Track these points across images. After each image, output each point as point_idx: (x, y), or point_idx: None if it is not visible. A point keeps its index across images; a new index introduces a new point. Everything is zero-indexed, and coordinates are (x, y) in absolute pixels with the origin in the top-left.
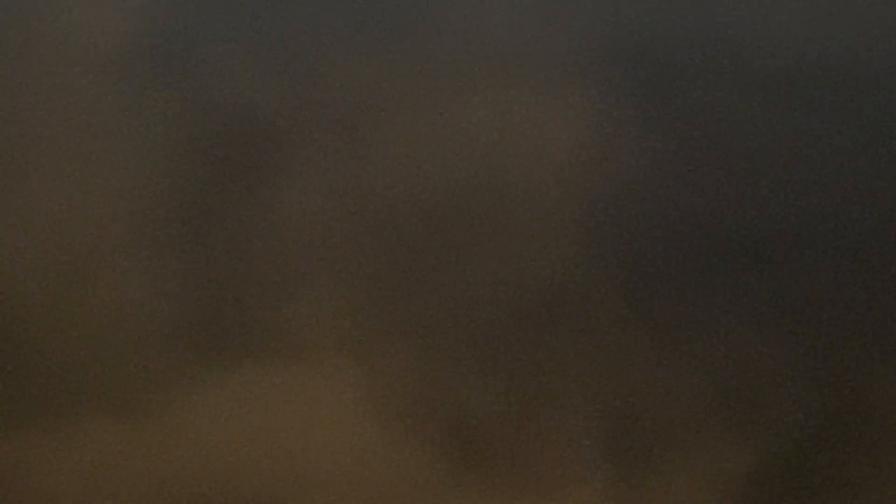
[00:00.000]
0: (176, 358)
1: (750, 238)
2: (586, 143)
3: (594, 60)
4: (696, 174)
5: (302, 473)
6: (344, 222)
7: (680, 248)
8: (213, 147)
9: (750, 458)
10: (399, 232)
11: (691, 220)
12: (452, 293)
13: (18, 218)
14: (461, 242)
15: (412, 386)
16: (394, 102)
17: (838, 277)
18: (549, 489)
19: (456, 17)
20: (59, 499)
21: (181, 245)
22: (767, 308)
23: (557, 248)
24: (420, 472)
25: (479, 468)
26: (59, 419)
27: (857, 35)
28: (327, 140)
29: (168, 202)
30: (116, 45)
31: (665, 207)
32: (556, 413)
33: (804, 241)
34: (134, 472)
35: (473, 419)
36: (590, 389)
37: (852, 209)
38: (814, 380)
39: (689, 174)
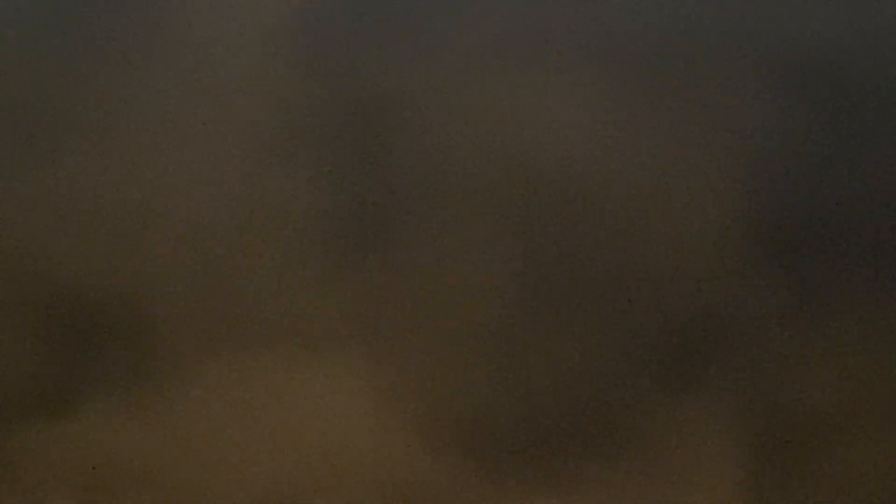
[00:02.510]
0: (180, 349)
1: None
2: (599, 132)
3: (609, 50)
4: (710, 168)
5: (307, 468)
6: (349, 211)
7: (685, 242)
8: None
9: None
10: (407, 221)
11: (702, 214)
12: (464, 284)
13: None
14: (473, 232)
15: (422, 381)
16: (404, 89)
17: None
18: (563, 487)
19: (471, 4)
20: (60, 489)
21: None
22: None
23: (574, 237)
24: (429, 469)
25: (490, 466)
26: (60, 409)
27: (871, 30)
28: (335, 129)
29: None
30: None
31: (678, 199)
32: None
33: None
34: (137, 464)
35: (486, 416)
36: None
37: (866, 204)
38: None
39: (702, 168)
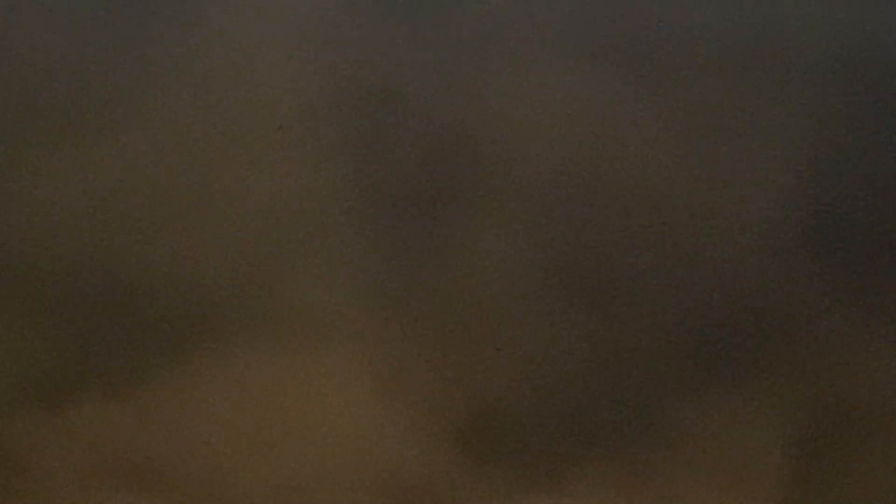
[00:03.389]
0: (176, 341)
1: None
2: (600, 127)
3: (611, 44)
4: (760, 159)
5: (302, 461)
6: (349, 200)
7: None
8: None
9: None
10: (406, 210)
11: (753, 205)
12: (462, 275)
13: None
14: (473, 221)
15: (419, 373)
16: (406, 78)
17: None
18: (560, 482)
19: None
20: (53, 480)
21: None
22: None
23: (571, 227)
24: (426, 463)
25: (488, 460)
26: (56, 401)
27: (880, 24)
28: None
29: None
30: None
31: (682, 193)
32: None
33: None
34: (131, 456)
35: (484, 409)
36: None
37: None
38: None
39: (752, 159)
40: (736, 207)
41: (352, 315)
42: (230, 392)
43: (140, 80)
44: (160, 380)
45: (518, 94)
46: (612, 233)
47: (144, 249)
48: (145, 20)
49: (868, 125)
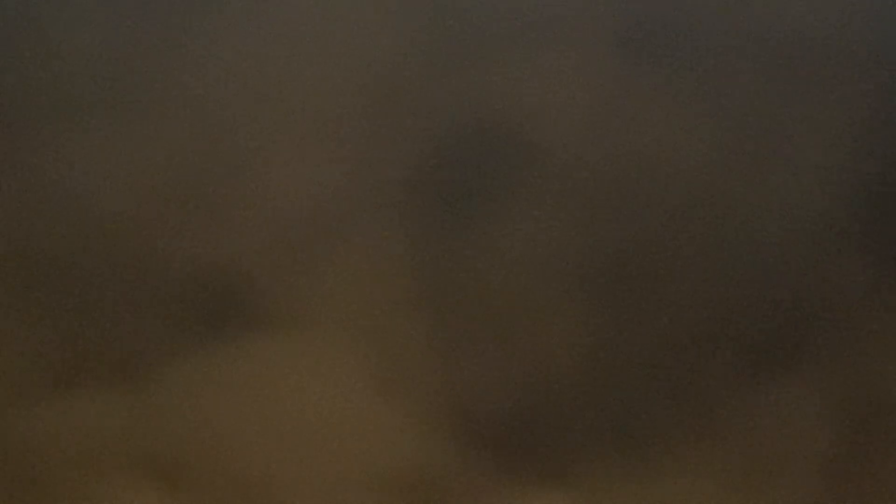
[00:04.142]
0: (179, 327)
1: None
2: (611, 108)
3: (624, 27)
4: (721, 145)
5: (302, 450)
6: (351, 184)
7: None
8: None
9: None
10: (410, 195)
11: (801, 196)
12: (468, 262)
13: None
14: (481, 207)
15: (421, 363)
16: (416, 61)
17: None
18: (562, 476)
19: None
20: (56, 468)
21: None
22: None
23: (582, 213)
24: (426, 454)
25: (489, 454)
26: (58, 388)
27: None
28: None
29: None
30: None
31: (723, 183)
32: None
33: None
34: (133, 443)
35: (486, 401)
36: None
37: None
38: None
39: (714, 145)
40: (781, 198)
41: (351, 302)
42: (232, 380)
43: (186, 66)
44: (167, 370)
45: (550, 80)
46: (650, 223)
47: (167, 237)
48: (197, 6)
49: None
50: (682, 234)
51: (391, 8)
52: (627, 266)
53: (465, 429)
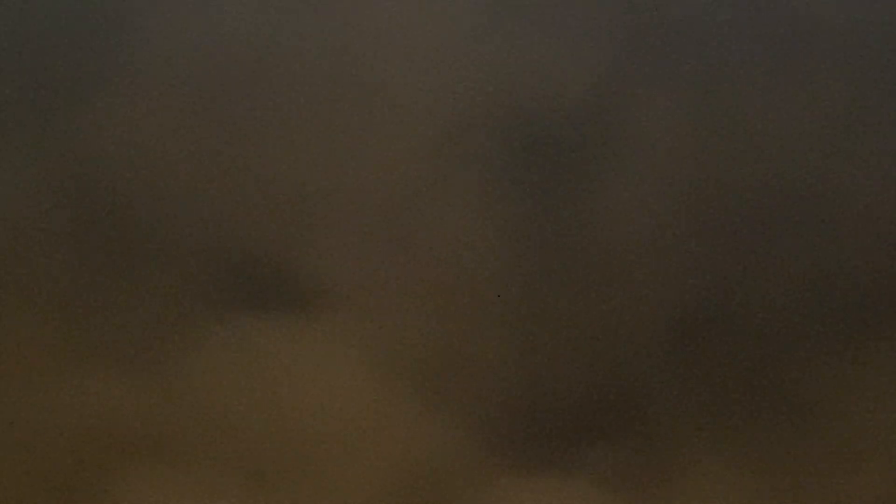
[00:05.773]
0: (182, 310)
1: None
2: (599, 90)
3: (613, 9)
4: (712, 131)
5: (305, 432)
6: (343, 166)
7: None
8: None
9: None
10: (404, 178)
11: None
12: (467, 244)
13: None
14: (478, 187)
15: (424, 346)
16: (404, 39)
17: None
18: (565, 464)
19: None
20: (59, 451)
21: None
22: None
23: (579, 193)
24: (428, 436)
25: (492, 438)
26: (62, 369)
27: None
28: (332, 78)
29: None
30: None
31: (678, 160)
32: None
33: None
34: (136, 425)
35: (489, 384)
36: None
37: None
38: None
39: (704, 132)
40: (873, 174)
41: (354, 283)
42: (235, 362)
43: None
44: (164, 350)
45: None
46: (740, 196)
47: (180, 216)
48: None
49: None
50: (770, 210)
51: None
52: (719, 233)
53: (530, 420)
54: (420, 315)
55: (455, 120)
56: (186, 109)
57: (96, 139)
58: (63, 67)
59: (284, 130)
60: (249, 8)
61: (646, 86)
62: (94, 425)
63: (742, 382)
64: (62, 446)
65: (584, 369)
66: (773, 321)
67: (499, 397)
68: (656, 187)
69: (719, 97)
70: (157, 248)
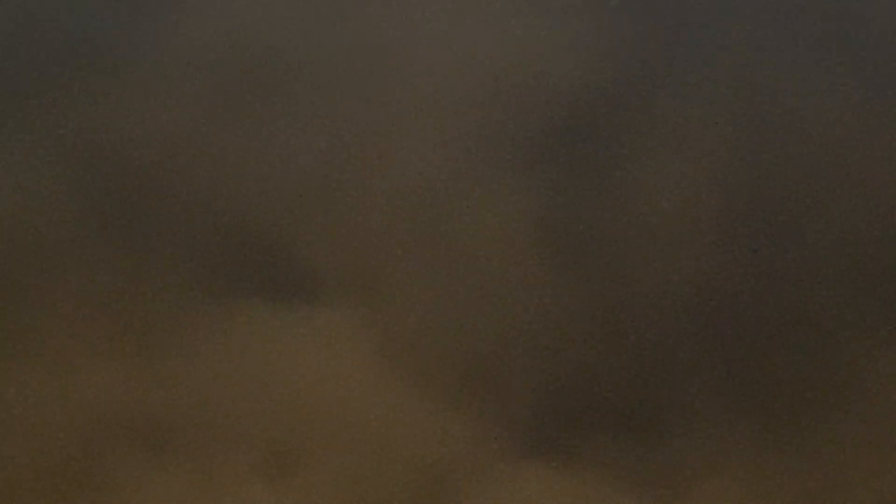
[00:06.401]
0: (183, 296)
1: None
2: (588, 74)
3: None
4: (706, 117)
5: (307, 416)
6: (349, 155)
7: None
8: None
9: None
10: (409, 167)
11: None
12: (468, 231)
13: None
14: (477, 177)
15: (425, 330)
16: (394, 31)
17: None
18: (564, 446)
19: None
20: (58, 436)
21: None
22: None
23: (572, 176)
24: (429, 420)
25: (492, 421)
26: (61, 356)
27: None
28: (332, 71)
29: None
30: None
31: (706, 148)
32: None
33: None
34: (137, 411)
35: (489, 368)
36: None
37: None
38: None
39: (697, 115)
40: None
41: (357, 270)
42: (237, 348)
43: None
44: (166, 337)
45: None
46: (781, 169)
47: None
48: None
49: None
50: (808, 181)
51: None
52: (755, 213)
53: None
54: (436, 304)
55: (478, 108)
56: (205, 99)
57: (112, 126)
58: (86, 53)
59: (297, 121)
60: None
61: (673, 72)
62: (99, 412)
63: (772, 378)
64: (69, 432)
65: (611, 360)
66: (806, 308)
67: (525, 388)
68: (683, 176)
69: (749, 82)
70: (167, 239)
